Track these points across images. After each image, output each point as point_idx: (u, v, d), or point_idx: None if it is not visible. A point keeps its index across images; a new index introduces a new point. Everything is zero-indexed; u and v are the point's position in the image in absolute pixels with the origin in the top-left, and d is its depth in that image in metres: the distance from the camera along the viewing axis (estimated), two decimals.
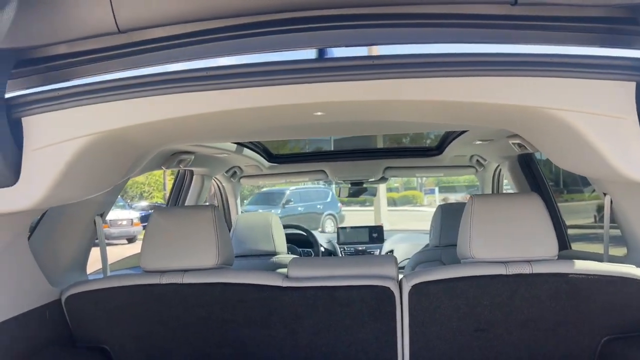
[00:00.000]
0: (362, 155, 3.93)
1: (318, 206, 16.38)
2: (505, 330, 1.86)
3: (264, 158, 3.77)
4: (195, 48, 1.33)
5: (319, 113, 1.39)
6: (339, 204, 17.79)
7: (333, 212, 16.47)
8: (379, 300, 1.87)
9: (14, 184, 1.27)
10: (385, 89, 1.24)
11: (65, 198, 1.42)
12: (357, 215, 15.97)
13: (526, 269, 1.78)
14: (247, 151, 3.34)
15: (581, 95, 1.16)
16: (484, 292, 1.82)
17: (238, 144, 3.13)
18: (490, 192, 4.06)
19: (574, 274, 1.76)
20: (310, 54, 1.31)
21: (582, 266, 1.78)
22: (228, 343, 1.97)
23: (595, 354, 1.82)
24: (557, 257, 1.83)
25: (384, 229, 4.98)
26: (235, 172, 3.97)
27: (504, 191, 4.20)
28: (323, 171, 4.05)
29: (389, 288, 1.85)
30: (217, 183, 4.13)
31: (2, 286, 1.56)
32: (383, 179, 4.39)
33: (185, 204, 3.49)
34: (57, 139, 1.26)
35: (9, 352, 1.62)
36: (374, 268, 1.94)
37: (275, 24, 1.27)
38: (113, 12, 1.17)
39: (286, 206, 14.98)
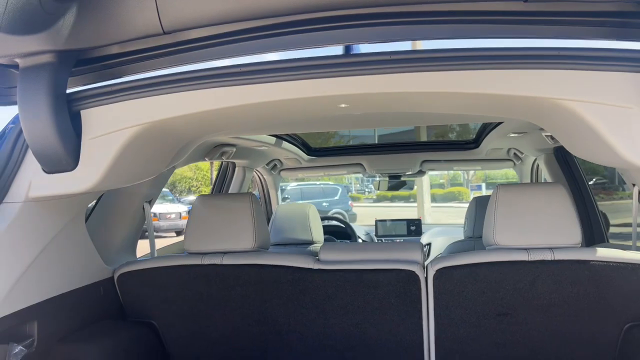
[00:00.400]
0: (399, 149, 4.00)
1: (324, 204, 15.99)
2: (528, 315, 1.91)
3: (303, 151, 3.90)
4: (232, 47, 1.46)
5: (343, 105, 1.50)
6: (350, 202, 17.30)
7: (341, 211, 16.08)
8: (404, 283, 1.96)
9: (74, 169, 1.44)
10: (403, 82, 1.34)
11: (118, 182, 1.58)
12: (387, 212, 15.53)
13: (548, 256, 1.84)
14: (285, 144, 3.47)
15: (590, 86, 1.22)
16: (506, 277, 1.88)
17: (277, 137, 3.26)
18: None
19: (596, 261, 1.80)
20: (335, 50, 1.42)
21: (604, 254, 1.82)
22: (264, 321, 2.11)
23: (618, 340, 1.85)
24: (580, 245, 1.87)
25: (427, 223, 5.03)
26: (275, 165, 4.12)
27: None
28: (360, 164, 4.15)
29: (414, 272, 1.94)
30: (258, 175, 4.30)
31: (63, 262, 1.74)
32: (421, 172, 4.45)
33: None
34: (111, 129, 1.42)
35: (68, 322, 1.81)
36: (400, 253, 2.04)
37: (303, 24, 1.39)
38: (159, 16, 1.31)
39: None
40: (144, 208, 2.41)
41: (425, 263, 2.02)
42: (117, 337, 1.99)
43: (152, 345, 2.16)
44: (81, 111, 1.44)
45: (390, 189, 4.85)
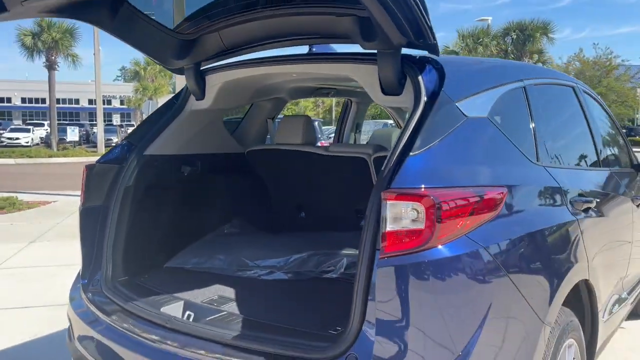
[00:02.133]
0: None
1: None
2: None
3: None
4: (257, 48, 3.43)
5: (295, 75, 3.35)
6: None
7: None
8: (361, 165, 3.71)
9: (203, 98, 3.62)
10: (310, 67, 3.14)
11: (220, 105, 3.69)
12: None
13: None
14: None
15: (360, 72, 2.82)
16: None
17: None
18: None
19: None
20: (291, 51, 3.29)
21: None
22: (300, 185, 4.11)
23: None
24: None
25: None
26: None
27: None
28: None
29: (364, 158, 3.67)
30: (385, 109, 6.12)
31: (209, 138, 3.97)
32: None
33: (347, 124, 5.62)
34: (215, 83, 3.52)
35: (218, 167, 4.08)
36: (363, 149, 3.77)
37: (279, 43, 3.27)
38: (222, 42, 3.35)
39: None
40: (267, 122, 4.58)
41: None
42: (243, 175, 4.25)
43: (261, 187, 4.39)
44: (206, 76, 3.59)
45: None
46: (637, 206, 4.28)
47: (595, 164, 4.00)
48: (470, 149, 2.57)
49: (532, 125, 3.14)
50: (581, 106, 4.06)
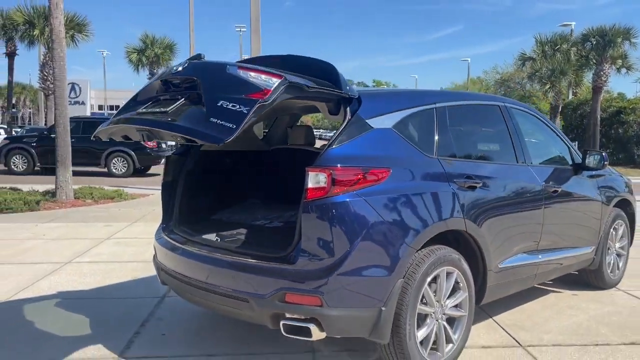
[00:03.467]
0: None
1: None
2: None
3: None
4: None
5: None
6: None
7: None
8: None
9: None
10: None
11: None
12: None
13: None
14: None
15: (319, 103, 4.74)
16: None
17: None
18: None
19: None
20: None
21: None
22: (302, 167, 6.08)
23: None
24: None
25: None
26: None
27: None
28: None
29: None
30: None
31: (248, 140, 6.07)
32: None
33: None
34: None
35: (246, 160, 6.19)
36: None
37: None
38: None
39: None
40: (287, 130, 6.59)
41: None
42: (266, 165, 6.30)
43: (279, 173, 6.39)
44: None
45: None
46: (553, 192, 5.84)
47: (508, 161, 5.60)
48: (369, 146, 4.33)
49: (435, 132, 4.87)
50: (504, 120, 5.72)
